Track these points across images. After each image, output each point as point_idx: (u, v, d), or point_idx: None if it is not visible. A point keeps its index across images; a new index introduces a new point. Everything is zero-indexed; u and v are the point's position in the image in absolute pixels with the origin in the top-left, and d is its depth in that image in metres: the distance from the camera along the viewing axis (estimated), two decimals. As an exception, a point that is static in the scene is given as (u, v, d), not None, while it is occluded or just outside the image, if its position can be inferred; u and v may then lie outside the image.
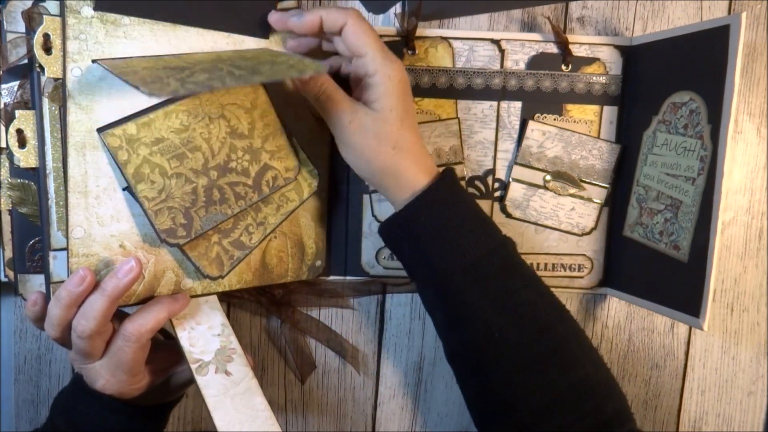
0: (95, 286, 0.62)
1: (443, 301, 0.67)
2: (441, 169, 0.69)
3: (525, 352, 0.64)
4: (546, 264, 0.87)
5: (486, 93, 0.83)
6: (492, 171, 0.85)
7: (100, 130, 0.62)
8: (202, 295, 0.71)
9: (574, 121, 0.84)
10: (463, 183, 0.84)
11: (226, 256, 0.71)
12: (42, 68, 0.60)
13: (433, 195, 0.65)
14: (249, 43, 0.70)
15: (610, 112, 0.84)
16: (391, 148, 0.65)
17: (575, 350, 0.65)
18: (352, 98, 0.66)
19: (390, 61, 0.64)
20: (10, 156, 0.66)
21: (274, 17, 0.69)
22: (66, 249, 0.62)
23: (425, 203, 0.65)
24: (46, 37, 0.60)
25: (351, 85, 0.69)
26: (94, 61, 0.61)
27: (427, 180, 0.66)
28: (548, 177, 0.84)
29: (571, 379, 0.64)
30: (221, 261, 0.70)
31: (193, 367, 0.66)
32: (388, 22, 0.85)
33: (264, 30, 0.70)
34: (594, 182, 0.84)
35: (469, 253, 0.64)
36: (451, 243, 0.65)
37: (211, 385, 0.65)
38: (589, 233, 0.86)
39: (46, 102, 0.62)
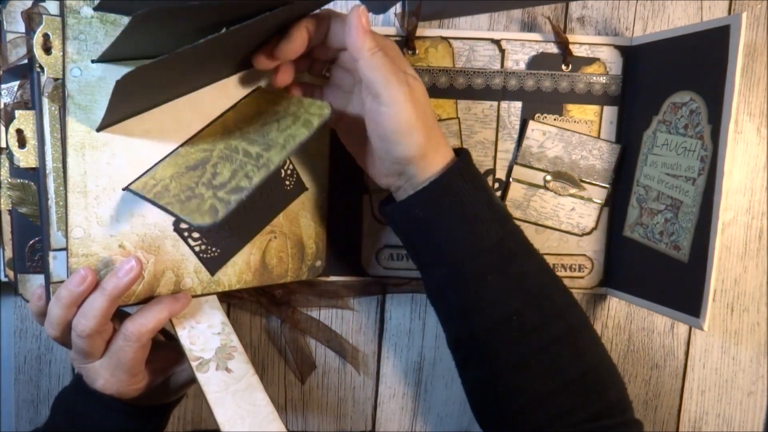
0: (95, 285, 0.62)
1: (459, 285, 0.66)
2: (455, 148, 0.68)
3: (539, 336, 0.64)
4: (546, 264, 0.87)
5: (486, 93, 0.83)
6: (492, 171, 0.85)
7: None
8: (202, 295, 0.71)
9: (575, 121, 0.84)
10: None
11: (221, 203, 0.68)
12: (42, 68, 0.60)
13: (458, 172, 0.64)
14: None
15: (610, 112, 0.84)
16: (430, 118, 0.64)
17: (586, 337, 0.66)
18: None
19: (403, 87, 0.61)
20: (10, 156, 0.66)
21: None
22: (65, 249, 0.62)
23: (451, 181, 0.63)
24: (46, 37, 0.60)
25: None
26: (93, 61, 0.61)
27: (448, 157, 0.65)
28: (548, 177, 0.84)
29: (582, 366, 0.64)
30: (215, 209, 0.67)
31: (194, 364, 0.66)
32: (388, 22, 0.85)
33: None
34: (594, 182, 0.84)
35: (492, 233, 0.64)
36: (475, 223, 0.64)
37: (211, 382, 0.65)
38: (589, 233, 0.86)
39: (46, 102, 0.62)
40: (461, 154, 0.66)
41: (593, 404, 0.63)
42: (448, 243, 0.65)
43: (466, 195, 0.64)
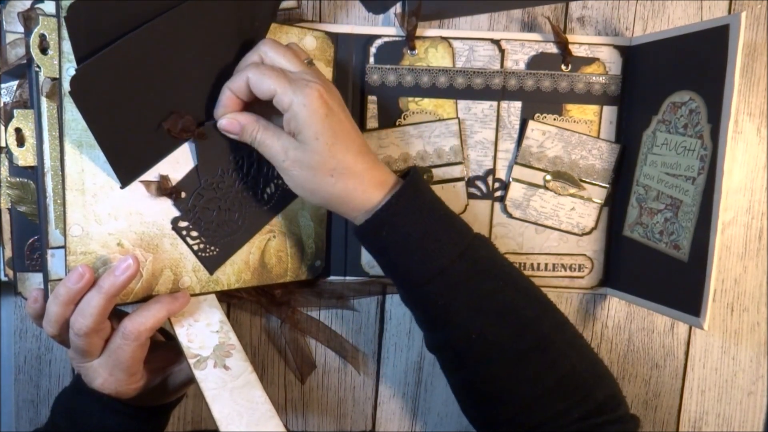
0: (93, 283, 0.62)
1: (417, 306, 0.68)
2: (399, 178, 0.68)
3: (506, 350, 0.64)
4: (546, 264, 0.87)
5: (486, 93, 0.83)
6: (492, 171, 0.85)
7: None
8: (201, 293, 0.71)
9: (574, 121, 0.84)
10: (463, 183, 0.84)
11: None
12: (39, 68, 0.61)
13: (391, 209, 0.64)
14: None
15: (609, 112, 0.84)
16: (329, 176, 0.64)
17: (559, 343, 0.65)
18: (284, 135, 0.65)
19: (301, 88, 0.62)
20: (9, 155, 0.66)
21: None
22: (64, 247, 0.62)
23: (384, 219, 0.64)
24: (42, 37, 0.60)
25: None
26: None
27: (380, 195, 0.65)
28: (548, 177, 0.84)
29: (557, 373, 0.64)
30: None
31: (191, 361, 0.66)
32: (388, 22, 0.85)
33: None
34: (594, 182, 0.84)
35: (436, 262, 0.64)
36: (416, 254, 0.65)
37: (209, 379, 0.65)
38: (589, 233, 0.86)
39: (44, 101, 0.62)
40: (401, 185, 0.66)
41: (579, 406, 0.63)
42: (397, 271, 0.67)
43: (401, 230, 0.65)
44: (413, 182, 0.66)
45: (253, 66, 0.63)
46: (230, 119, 0.66)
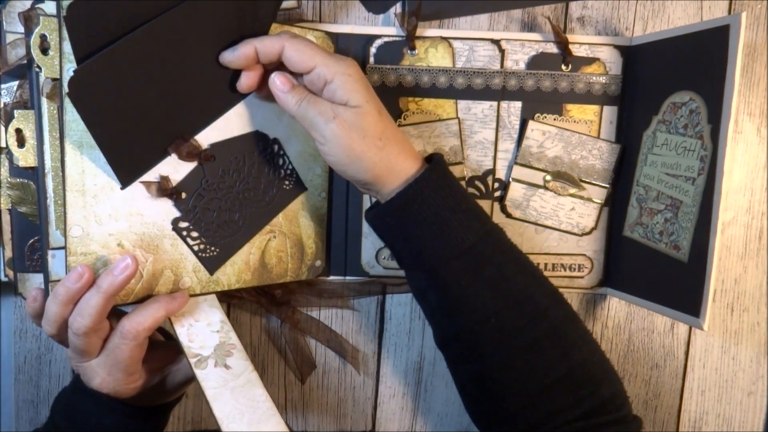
0: (92, 282, 0.62)
1: (437, 287, 0.67)
2: (428, 155, 0.68)
3: (521, 336, 0.64)
4: (546, 264, 0.87)
5: (486, 93, 0.83)
6: (492, 171, 0.85)
7: None
8: (201, 294, 0.71)
9: (574, 121, 0.84)
10: (462, 183, 0.84)
11: None
12: (40, 68, 0.60)
13: (425, 181, 0.65)
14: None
15: (610, 112, 0.84)
16: (378, 140, 0.64)
17: (572, 334, 0.66)
18: (330, 102, 0.64)
19: (341, 60, 0.64)
20: (10, 155, 0.66)
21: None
22: (64, 248, 0.62)
23: (417, 190, 0.64)
24: (43, 37, 0.60)
25: None
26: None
27: (416, 166, 0.66)
28: (548, 177, 0.84)
29: (568, 364, 0.64)
30: None
31: (192, 361, 0.66)
32: (388, 22, 0.85)
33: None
34: (594, 182, 0.84)
35: (464, 238, 0.64)
36: (446, 229, 0.65)
37: (210, 378, 0.65)
38: (589, 233, 0.86)
39: (44, 101, 0.62)
40: (431, 162, 0.67)
41: (585, 401, 0.63)
42: (422, 249, 0.66)
43: (433, 203, 0.65)
44: (441, 162, 0.67)
45: (289, 36, 0.64)
46: (286, 76, 0.65)
